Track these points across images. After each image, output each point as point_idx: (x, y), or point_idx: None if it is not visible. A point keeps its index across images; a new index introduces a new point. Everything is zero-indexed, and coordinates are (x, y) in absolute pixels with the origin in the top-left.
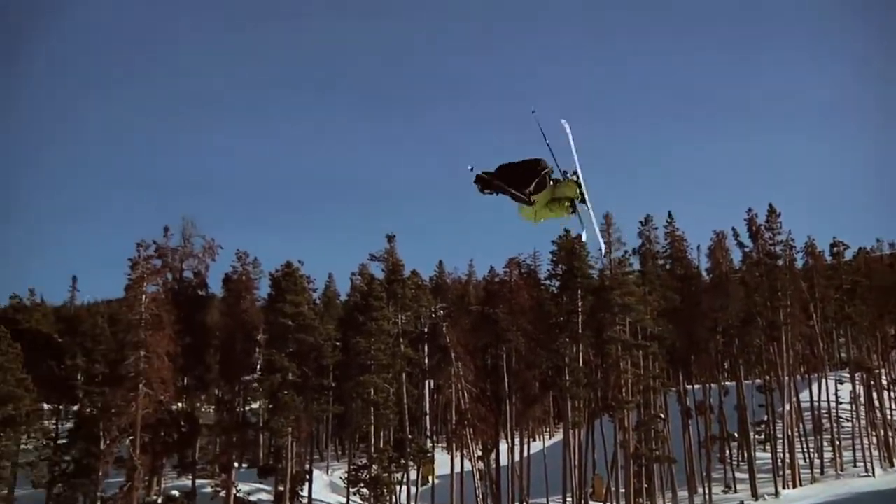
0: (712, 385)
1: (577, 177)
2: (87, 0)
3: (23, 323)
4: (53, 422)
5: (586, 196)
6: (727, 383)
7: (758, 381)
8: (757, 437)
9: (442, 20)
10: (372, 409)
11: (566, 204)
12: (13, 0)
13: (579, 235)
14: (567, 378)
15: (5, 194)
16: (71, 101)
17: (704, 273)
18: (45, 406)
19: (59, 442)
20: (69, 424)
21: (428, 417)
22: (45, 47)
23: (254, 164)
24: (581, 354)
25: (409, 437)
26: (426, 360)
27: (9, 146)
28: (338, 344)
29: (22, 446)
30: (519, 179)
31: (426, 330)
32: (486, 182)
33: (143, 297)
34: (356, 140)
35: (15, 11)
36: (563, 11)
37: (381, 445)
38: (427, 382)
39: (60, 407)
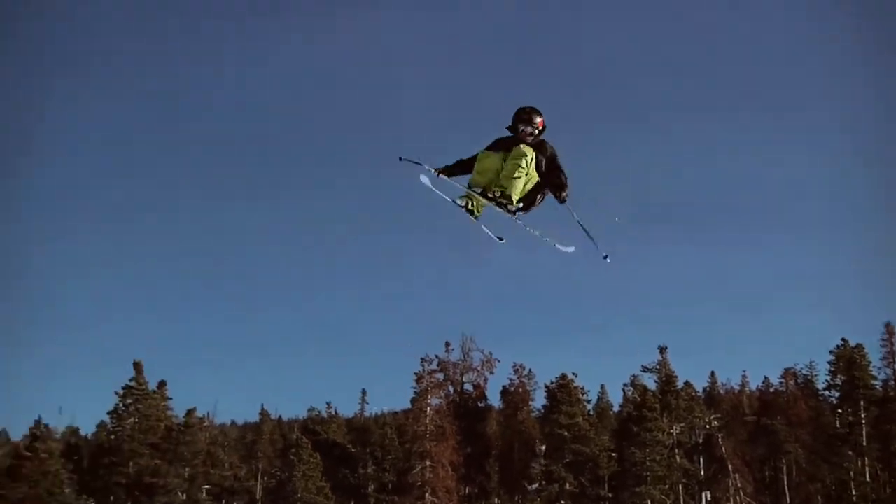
0: None
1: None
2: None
3: (321, 434)
4: None
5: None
6: None
7: None
8: None
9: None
10: None
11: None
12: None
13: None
14: (853, 493)
15: (297, 319)
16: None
17: None
18: None
19: None
20: None
21: None
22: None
23: (526, 278)
24: (867, 468)
25: None
26: (702, 472)
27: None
28: (613, 454)
29: None
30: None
31: (701, 441)
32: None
33: (428, 409)
34: (625, 249)
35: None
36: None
37: None
38: (704, 494)
39: None
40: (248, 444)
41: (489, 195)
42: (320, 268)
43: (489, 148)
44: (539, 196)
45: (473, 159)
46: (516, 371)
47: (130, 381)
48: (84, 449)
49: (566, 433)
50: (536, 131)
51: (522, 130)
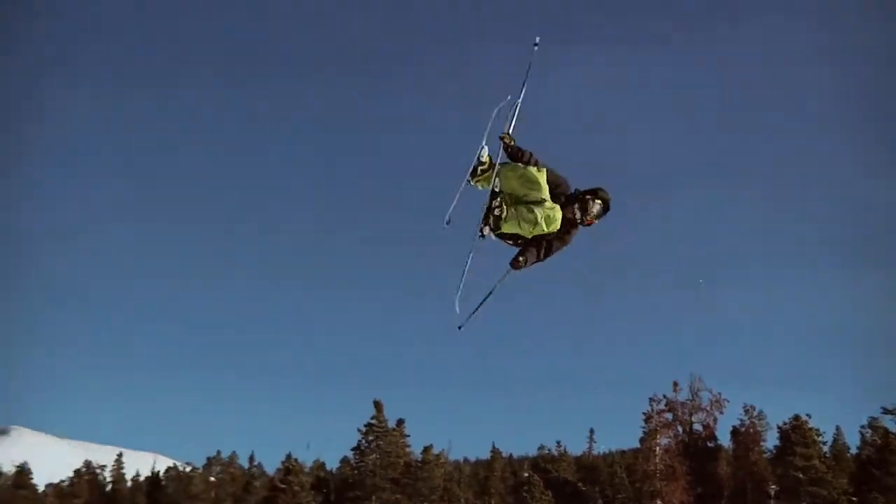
0: None
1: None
2: None
3: (551, 472)
4: None
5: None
6: None
7: None
8: None
9: None
10: None
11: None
12: None
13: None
14: None
15: (526, 359)
16: None
17: None
18: None
19: None
20: None
21: None
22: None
23: (754, 318)
24: None
25: None
26: None
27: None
28: (853, 499)
29: None
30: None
31: None
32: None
33: (657, 448)
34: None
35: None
36: None
37: None
38: None
39: None
40: (480, 481)
41: (493, 202)
42: (550, 309)
43: (548, 176)
44: (510, 241)
45: (531, 163)
46: (747, 412)
47: (371, 419)
48: (331, 482)
49: (801, 475)
50: (579, 221)
51: (571, 209)
